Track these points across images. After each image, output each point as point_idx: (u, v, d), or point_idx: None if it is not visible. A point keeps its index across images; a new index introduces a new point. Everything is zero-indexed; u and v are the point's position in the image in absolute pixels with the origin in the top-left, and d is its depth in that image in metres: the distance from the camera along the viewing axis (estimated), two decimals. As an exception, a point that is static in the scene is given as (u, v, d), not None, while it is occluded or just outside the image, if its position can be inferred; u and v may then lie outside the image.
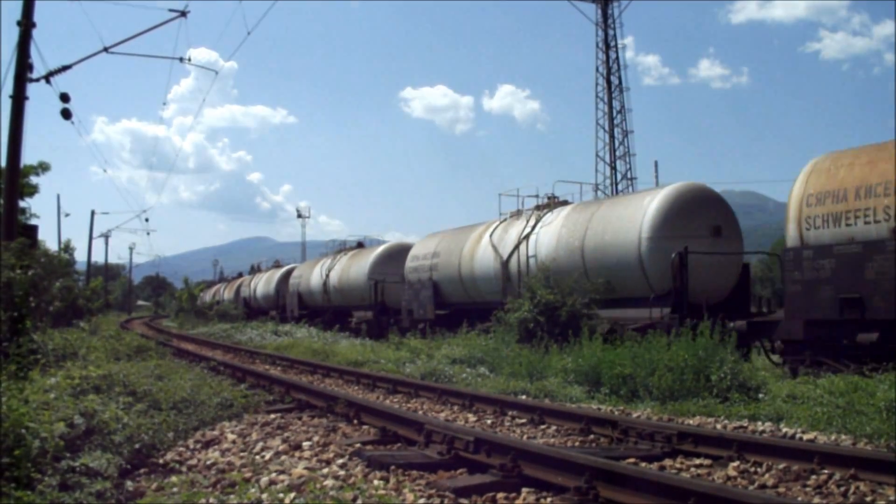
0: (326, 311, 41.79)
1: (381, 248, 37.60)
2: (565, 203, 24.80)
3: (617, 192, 48.95)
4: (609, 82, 50.47)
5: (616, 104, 50.33)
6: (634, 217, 19.85)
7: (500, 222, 26.59)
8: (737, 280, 20.17)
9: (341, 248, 43.90)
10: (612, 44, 50.78)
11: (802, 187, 16.19)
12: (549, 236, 22.93)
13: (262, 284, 56.91)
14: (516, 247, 24.41)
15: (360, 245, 42.75)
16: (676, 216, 19.35)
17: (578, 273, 20.74)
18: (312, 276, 44.16)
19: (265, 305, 55.25)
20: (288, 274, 51.30)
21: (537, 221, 24.12)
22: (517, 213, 26.28)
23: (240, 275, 75.45)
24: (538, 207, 25.46)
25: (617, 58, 50.72)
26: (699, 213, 19.63)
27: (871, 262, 14.25)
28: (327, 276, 41.55)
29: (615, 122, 50.31)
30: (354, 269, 38.36)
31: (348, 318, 38.13)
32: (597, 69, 51.05)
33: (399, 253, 35.44)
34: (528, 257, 23.69)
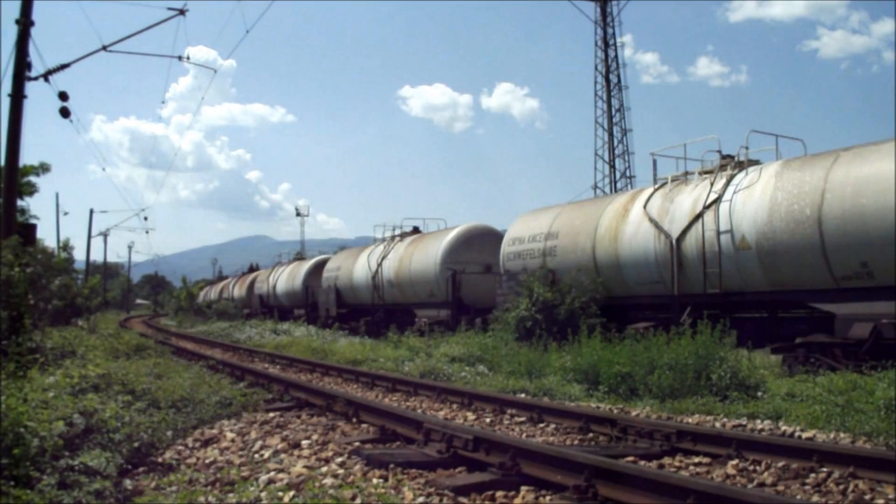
0: (377, 309, 35.13)
1: (456, 231, 30.80)
2: (417, 231, 33.73)
3: (615, 190, 48.97)
4: (608, 80, 50.47)
5: (615, 102, 50.36)
6: (434, 250, 31.08)
7: (374, 247, 33.07)
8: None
9: (291, 259, 51.05)
10: (611, 42, 50.80)
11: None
12: (395, 260, 31.06)
13: (285, 279, 50.33)
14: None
15: (416, 230, 35.97)
16: (458, 248, 30.67)
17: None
18: (356, 267, 37.27)
19: (287, 304, 49.62)
20: (320, 266, 44.73)
21: (390, 249, 29.34)
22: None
23: (250, 269, 71.36)
24: (393, 237, 31.49)
25: (616, 56, 50.74)
26: (475, 246, 30.66)
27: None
28: (379, 266, 34.63)
29: (614, 120, 50.32)
30: (418, 257, 31.69)
31: (411, 319, 31.98)
32: (596, 67, 51.07)
33: (479, 237, 30.68)
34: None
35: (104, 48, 21.75)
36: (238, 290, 63.26)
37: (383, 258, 33.89)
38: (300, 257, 54.42)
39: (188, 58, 23.61)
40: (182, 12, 21.15)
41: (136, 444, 7.92)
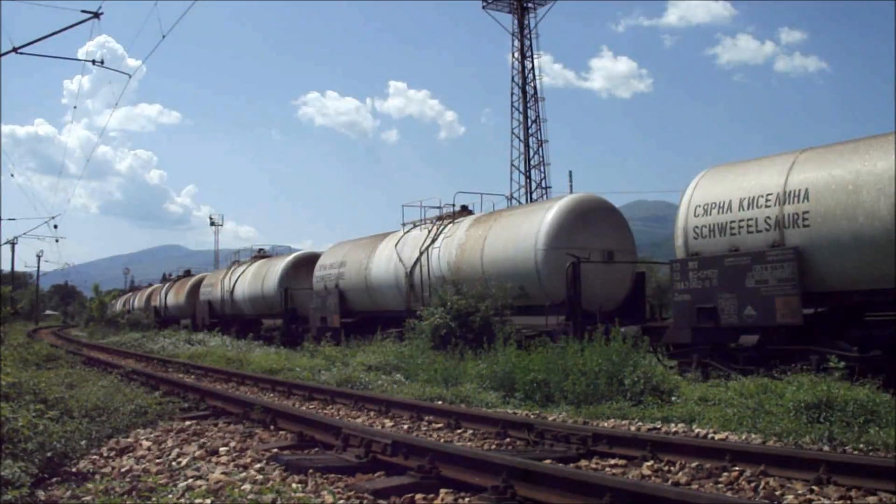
0: (237, 319, 41.26)
1: (291, 257, 37.73)
2: (468, 212, 25.80)
3: (531, 202, 49.56)
4: (524, 92, 51.06)
5: (531, 113, 50.93)
6: (532, 229, 20.66)
7: (405, 233, 26.91)
8: (631, 288, 21.18)
9: (252, 256, 43.90)
10: (528, 54, 51.40)
11: (689, 198, 16.95)
12: (452, 247, 23.65)
13: (173, 294, 55.44)
14: (420, 257, 24.54)
15: (261, 251, 43.47)
16: (571, 228, 20.30)
17: (480, 283, 21.03)
18: (223, 285, 43.39)
19: (177, 314, 54.00)
20: (199, 283, 50.14)
21: (439, 233, 24.73)
22: (421, 224, 26.39)
23: (150, 284, 73.11)
24: (440, 218, 26.14)
25: (532, 68, 51.36)
26: (594, 225, 20.66)
27: (752, 272, 15.22)
28: (235, 284, 41.28)
29: (530, 131, 50.90)
30: (264, 277, 38.25)
31: (259, 327, 38.08)
32: (512, 79, 51.61)
33: (309, 261, 35.51)
34: (429, 268, 24.08)
35: (15, 50, 21.28)
36: (174, 297, 55.30)
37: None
38: (264, 254, 44.50)
39: (102, 62, 23.22)
40: (97, 15, 20.80)
41: (49, 454, 7.81)
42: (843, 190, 14.25)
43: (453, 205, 26.38)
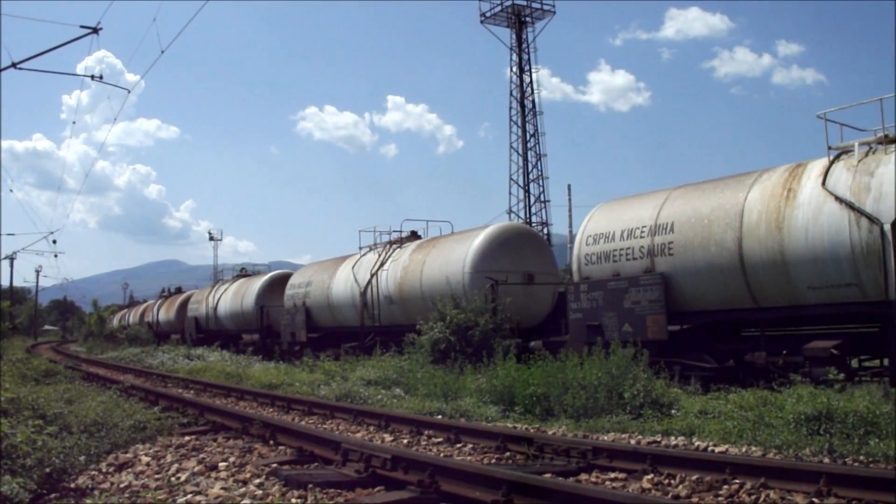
0: (221, 334, 43.77)
1: (266, 277, 41.00)
2: (416, 237, 28.85)
3: (530, 215, 49.53)
4: (523, 106, 51.12)
5: (530, 128, 50.99)
6: (461, 254, 23.41)
7: (361, 256, 30.14)
8: (553, 306, 23.72)
9: (234, 275, 47.24)
10: (526, 68, 51.48)
11: (583, 230, 20.03)
12: (397, 270, 26.47)
13: (164, 310, 57.79)
14: (371, 279, 27.74)
15: (243, 270, 47.28)
16: (494, 253, 23.05)
17: (419, 301, 24.28)
18: (207, 302, 46.48)
19: (168, 330, 56.15)
20: (187, 300, 52.73)
21: (388, 256, 27.72)
22: (375, 248, 29.68)
23: (144, 300, 75.49)
24: (390, 243, 28.94)
25: (531, 82, 51.44)
26: (515, 251, 23.53)
27: (629, 294, 17.94)
28: (219, 302, 44.33)
29: (529, 145, 50.93)
30: (243, 295, 41.37)
31: (240, 341, 40.62)
32: (511, 93, 51.70)
33: (283, 280, 37.94)
34: (378, 288, 27.26)
35: (14, 65, 21.32)
36: (165, 313, 57.40)
37: (378, 269, 28.06)
38: (245, 273, 47.05)
39: (101, 77, 23.26)
40: (96, 31, 20.84)
41: (48, 470, 7.79)
42: (700, 223, 16.90)
43: (400, 231, 29.59)
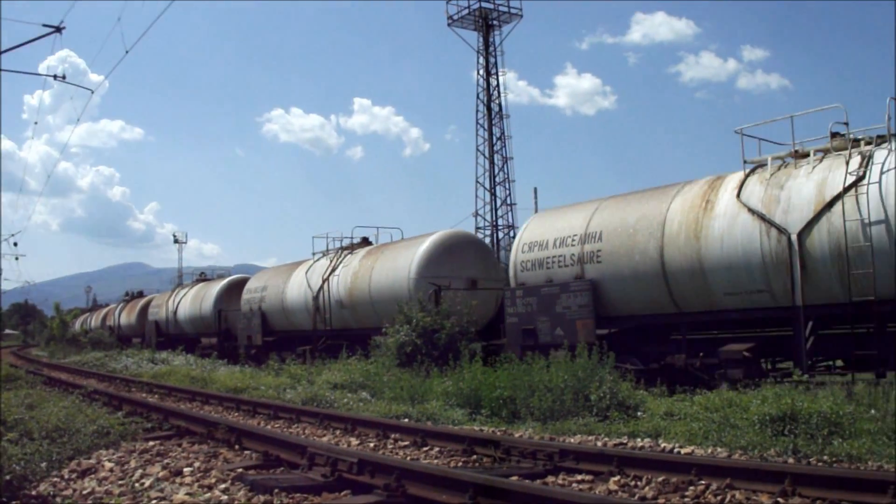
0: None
1: (224, 281, 41.32)
2: (367, 243, 29.46)
3: (497, 218, 49.54)
4: (489, 109, 51.14)
5: (496, 131, 51.02)
6: (406, 261, 24.03)
7: (314, 262, 30.60)
8: (496, 310, 24.06)
9: (194, 280, 47.51)
10: (493, 71, 51.52)
11: (520, 238, 20.83)
12: (348, 275, 27.14)
13: (126, 314, 57.92)
14: (323, 284, 28.35)
15: (202, 275, 47.45)
16: (437, 260, 23.71)
17: (368, 306, 25.41)
18: (167, 306, 46.79)
19: (129, 333, 56.11)
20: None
21: (339, 262, 28.29)
22: (328, 254, 30.22)
23: (106, 304, 75.46)
24: (342, 249, 29.39)
25: (497, 85, 51.49)
26: (458, 257, 24.21)
27: (560, 300, 18.63)
28: (178, 306, 44.77)
29: (495, 148, 50.97)
30: (202, 299, 41.83)
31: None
32: (478, 96, 51.73)
33: (241, 285, 38.42)
34: (330, 293, 27.92)
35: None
36: (126, 317, 57.62)
37: (330, 274, 28.79)
38: (204, 277, 47.31)
39: (64, 77, 22.98)
40: (58, 29, 20.57)
41: (8, 477, 7.66)
42: (626, 233, 17.55)
43: (352, 237, 30.03)
